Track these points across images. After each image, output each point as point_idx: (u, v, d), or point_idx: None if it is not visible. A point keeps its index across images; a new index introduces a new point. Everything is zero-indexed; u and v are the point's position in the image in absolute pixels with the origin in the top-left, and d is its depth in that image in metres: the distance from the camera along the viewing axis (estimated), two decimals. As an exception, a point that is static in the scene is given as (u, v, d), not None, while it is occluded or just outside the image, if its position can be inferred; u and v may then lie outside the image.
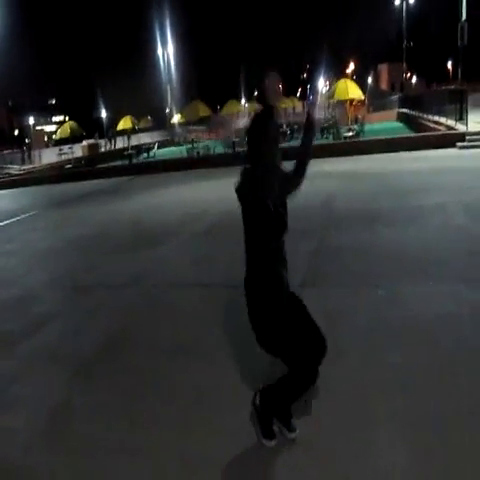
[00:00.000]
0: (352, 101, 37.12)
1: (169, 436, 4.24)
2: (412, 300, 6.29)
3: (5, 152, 49.02)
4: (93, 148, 48.52)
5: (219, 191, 16.39)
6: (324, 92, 61.80)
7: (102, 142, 51.50)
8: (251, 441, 3.97)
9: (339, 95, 33.23)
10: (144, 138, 50.72)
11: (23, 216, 17.52)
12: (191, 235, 11.21)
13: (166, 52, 65.75)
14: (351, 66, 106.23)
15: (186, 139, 46.32)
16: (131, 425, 4.47)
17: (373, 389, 4.49)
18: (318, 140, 33.48)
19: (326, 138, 32.99)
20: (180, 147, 41.21)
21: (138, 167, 29.50)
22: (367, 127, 34.11)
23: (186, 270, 8.78)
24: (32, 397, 5.22)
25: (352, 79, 51.49)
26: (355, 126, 32.64)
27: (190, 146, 36.32)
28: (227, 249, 8.50)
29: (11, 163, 41.78)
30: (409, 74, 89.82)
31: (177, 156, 31.73)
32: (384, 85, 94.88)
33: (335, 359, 5.00)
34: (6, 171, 38.63)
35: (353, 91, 33.19)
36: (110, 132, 52.39)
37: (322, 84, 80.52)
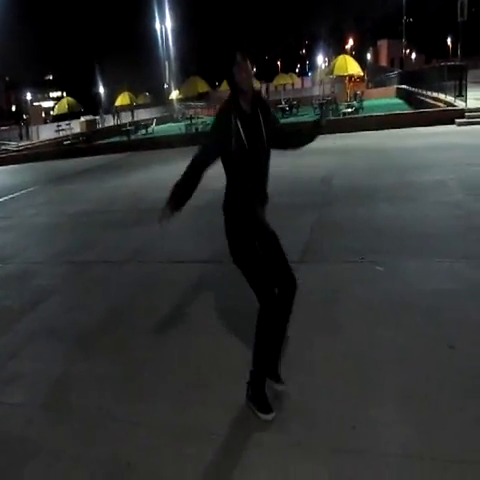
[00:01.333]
0: (351, 77, 36.88)
1: (166, 409, 4.28)
2: (411, 276, 6.31)
3: (2, 128, 48.80)
4: (91, 124, 48.33)
5: (217, 167, 16.34)
6: (323, 68, 61.51)
7: (106, 117, 51.31)
8: (247, 414, 4.01)
9: (338, 71, 32.98)
10: (142, 114, 50.50)
11: (21, 192, 17.47)
12: (190, 210, 11.12)
13: (164, 28, 65.25)
14: (350, 42, 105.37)
15: (184, 115, 46.16)
16: (129, 398, 4.51)
17: (371, 364, 4.52)
18: (317, 116, 33.33)
19: (325, 114, 32.78)
20: (178, 123, 41.06)
21: (136, 143, 29.36)
22: (366, 103, 33.91)
23: (185, 245, 8.78)
24: (32, 372, 5.25)
25: (351, 55, 51.14)
26: (354, 102, 32.44)
27: (188, 122, 36.14)
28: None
29: (9, 139, 41.57)
30: (409, 50, 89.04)
31: (175, 132, 31.58)
32: (383, 61, 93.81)
33: (334, 334, 5.07)
34: (4, 147, 38.44)
35: (352, 67, 32.92)
36: (113, 108, 52.25)
37: (321, 60, 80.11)
